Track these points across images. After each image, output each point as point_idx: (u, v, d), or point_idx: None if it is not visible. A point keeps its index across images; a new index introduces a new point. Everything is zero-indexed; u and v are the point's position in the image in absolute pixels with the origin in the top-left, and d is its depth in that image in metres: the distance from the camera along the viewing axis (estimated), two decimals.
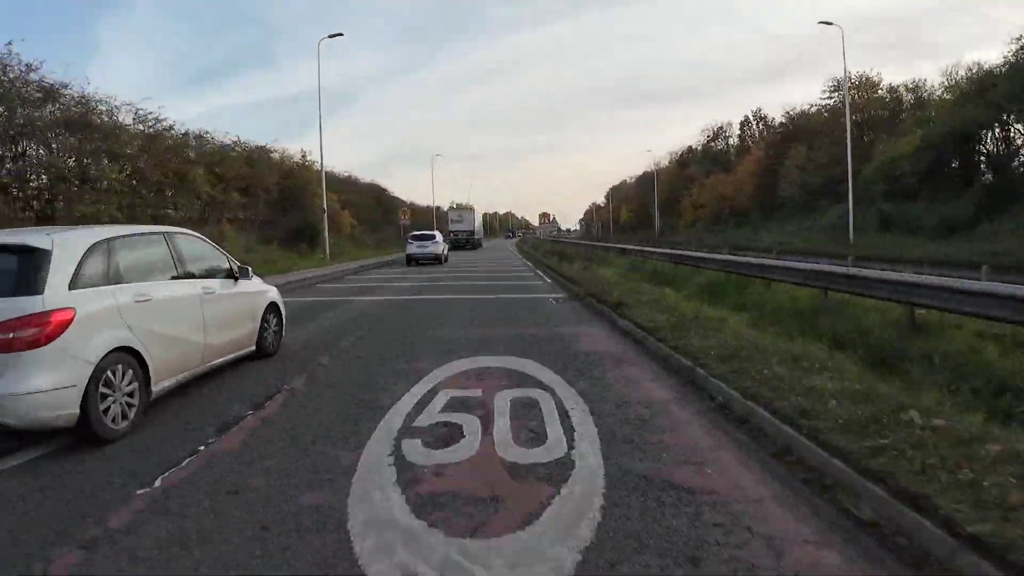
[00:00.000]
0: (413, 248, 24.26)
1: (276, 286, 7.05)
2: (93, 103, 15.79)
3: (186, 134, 20.48)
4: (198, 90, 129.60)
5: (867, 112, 41.23)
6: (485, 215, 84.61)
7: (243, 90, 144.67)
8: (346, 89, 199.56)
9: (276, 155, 26.96)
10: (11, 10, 50.50)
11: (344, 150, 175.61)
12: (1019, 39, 26.09)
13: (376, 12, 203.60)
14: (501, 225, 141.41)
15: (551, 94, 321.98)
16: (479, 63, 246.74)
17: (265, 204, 24.72)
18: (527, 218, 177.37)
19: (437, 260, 24.20)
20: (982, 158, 30.05)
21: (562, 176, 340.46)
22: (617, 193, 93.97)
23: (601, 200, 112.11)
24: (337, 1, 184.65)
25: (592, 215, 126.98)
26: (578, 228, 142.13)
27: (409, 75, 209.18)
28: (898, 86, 40.99)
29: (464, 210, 51.09)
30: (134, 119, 17.48)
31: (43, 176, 14.41)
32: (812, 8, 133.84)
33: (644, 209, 71.65)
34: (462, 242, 43.93)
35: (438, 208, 59.65)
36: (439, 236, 26.05)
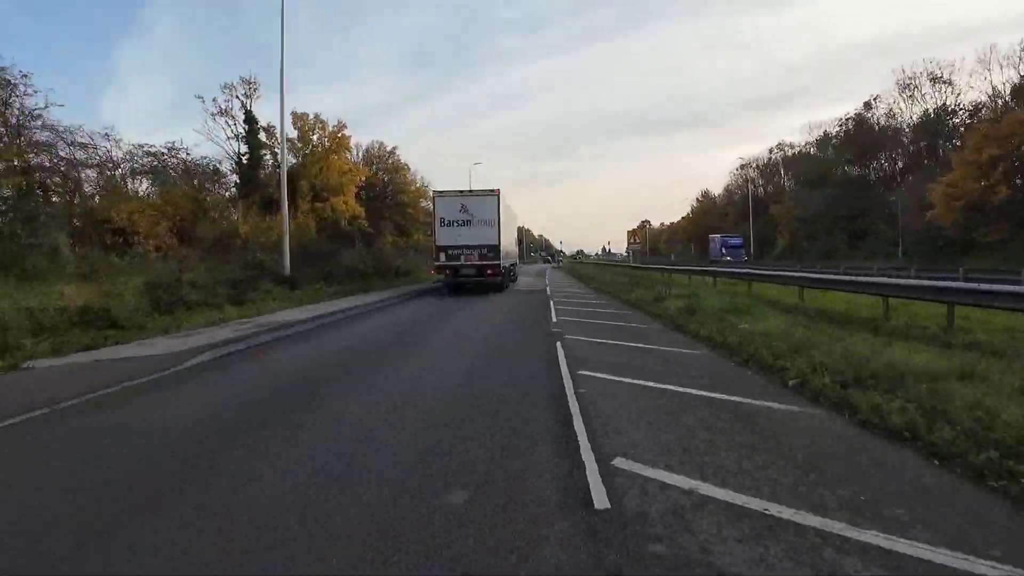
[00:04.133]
0: None
1: None
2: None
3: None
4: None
5: None
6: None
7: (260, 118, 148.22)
8: (353, 117, 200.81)
9: None
10: (32, 38, 51.94)
11: None
12: None
13: (385, 40, 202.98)
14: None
15: (561, 123, 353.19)
16: (487, 92, 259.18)
17: None
18: (547, 238, 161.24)
19: None
20: None
21: (577, 203, 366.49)
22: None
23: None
24: (346, 27, 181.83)
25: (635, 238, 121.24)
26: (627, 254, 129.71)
27: (416, 105, 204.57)
28: None
29: (473, 196, 22.17)
30: None
31: None
32: (821, 36, 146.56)
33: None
34: (470, 276, 21.68)
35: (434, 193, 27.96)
36: None
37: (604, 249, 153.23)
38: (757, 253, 60.05)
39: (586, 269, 49.59)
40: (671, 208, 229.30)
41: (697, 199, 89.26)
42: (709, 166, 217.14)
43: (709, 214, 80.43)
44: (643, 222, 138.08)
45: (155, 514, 3.25)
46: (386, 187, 40.50)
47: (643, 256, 50.63)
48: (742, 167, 77.14)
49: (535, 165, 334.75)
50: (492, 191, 22.08)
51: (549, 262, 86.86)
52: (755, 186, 71.70)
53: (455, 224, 21.42)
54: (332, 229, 29.20)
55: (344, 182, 31.68)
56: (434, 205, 22.73)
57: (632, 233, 40.06)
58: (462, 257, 21.28)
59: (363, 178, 35.00)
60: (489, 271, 21.32)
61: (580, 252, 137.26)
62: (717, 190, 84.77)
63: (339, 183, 31.48)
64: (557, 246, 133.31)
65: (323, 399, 5.88)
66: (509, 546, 2.83)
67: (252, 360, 8.43)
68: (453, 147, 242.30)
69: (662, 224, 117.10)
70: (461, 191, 23.01)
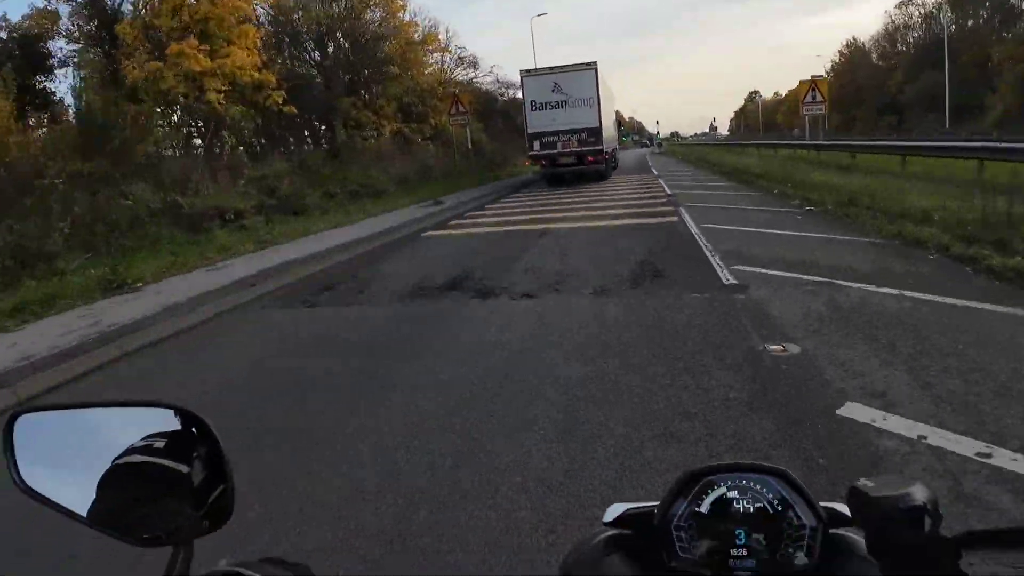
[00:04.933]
0: None
1: None
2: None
3: None
4: None
5: None
6: None
7: None
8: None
9: None
10: None
11: None
12: None
13: None
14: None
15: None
16: None
17: None
18: (639, 120, 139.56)
19: None
20: None
21: (668, 84, 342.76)
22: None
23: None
24: None
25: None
26: (727, 133, 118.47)
27: None
28: None
29: (567, 72, 19.34)
30: None
31: None
32: None
33: None
34: (569, 165, 19.42)
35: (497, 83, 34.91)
36: None
37: (711, 127, 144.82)
38: (956, 121, 38.14)
39: (728, 157, 27.39)
40: (779, 82, 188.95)
41: (840, 52, 64.16)
42: (827, 28, 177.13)
43: (860, 70, 57.00)
44: (752, 93, 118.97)
45: None
46: (363, 36, 24.32)
47: (823, 131, 25.59)
48: (902, 3, 52.50)
49: (618, 46, 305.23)
50: (589, 64, 19.39)
51: (647, 146, 73.67)
52: (939, 26, 48.11)
53: (548, 107, 19.24)
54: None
55: (218, 15, 15.67)
56: (523, 86, 20.02)
57: (809, 85, 19.13)
58: (559, 144, 19.22)
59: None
60: (590, 158, 19.31)
61: (675, 134, 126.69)
62: (863, 38, 60.12)
63: (208, 17, 15.54)
64: (652, 128, 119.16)
65: None
66: None
67: None
68: (527, 36, 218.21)
69: (776, 95, 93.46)
70: (552, 68, 19.94)
